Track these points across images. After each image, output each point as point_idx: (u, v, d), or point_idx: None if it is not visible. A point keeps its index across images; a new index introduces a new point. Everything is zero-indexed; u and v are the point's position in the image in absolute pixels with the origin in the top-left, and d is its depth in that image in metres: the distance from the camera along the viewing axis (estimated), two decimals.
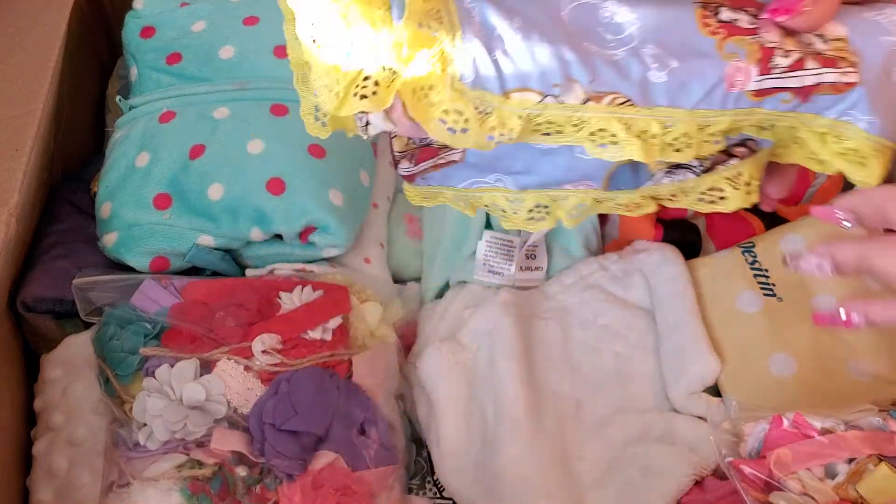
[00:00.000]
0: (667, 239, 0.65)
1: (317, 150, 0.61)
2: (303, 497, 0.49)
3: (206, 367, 0.53)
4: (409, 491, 0.57)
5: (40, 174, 0.60)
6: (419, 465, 0.59)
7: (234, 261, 0.63)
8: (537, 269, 0.65)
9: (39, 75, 0.60)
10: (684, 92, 0.39)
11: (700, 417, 0.57)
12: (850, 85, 0.41)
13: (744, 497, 0.49)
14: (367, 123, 0.40)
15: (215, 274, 0.62)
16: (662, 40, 0.39)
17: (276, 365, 0.54)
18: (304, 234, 0.61)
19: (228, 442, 0.51)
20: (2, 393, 0.54)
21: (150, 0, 0.69)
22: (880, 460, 0.51)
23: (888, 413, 0.52)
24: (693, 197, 0.46)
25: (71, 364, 0.57)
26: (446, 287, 0.66)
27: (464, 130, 0.37)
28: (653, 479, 0.53)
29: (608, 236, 0.69)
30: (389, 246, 0.69)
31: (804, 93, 0.41)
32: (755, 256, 0.62)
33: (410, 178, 0.48)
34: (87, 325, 0.58)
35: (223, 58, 0.65)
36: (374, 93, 0.36)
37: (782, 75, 0.40)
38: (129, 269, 0.59)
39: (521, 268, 0.64)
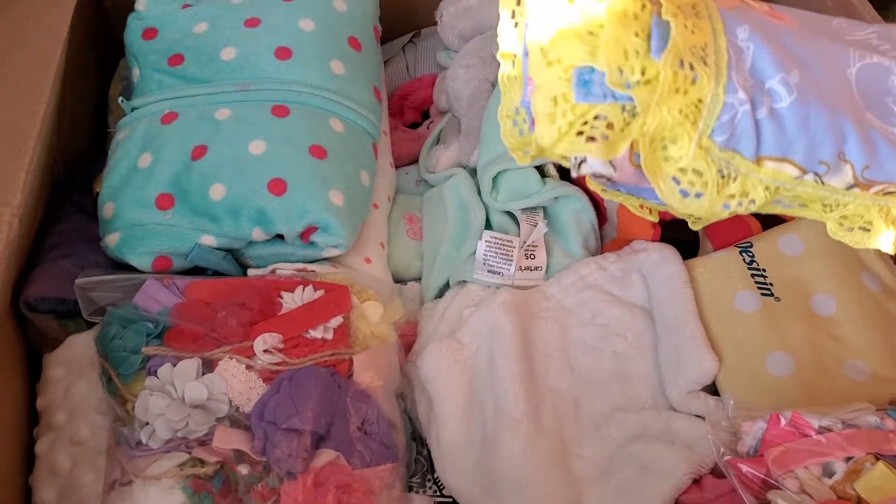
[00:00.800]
0: (665, 239, 0.65)
1: (318, 151, 0.62)
2: (304, 495, 0.49)
3: (208, 366, 0.53)
4: (410, 489, 0.57)
5: (43, 174, 0.60)
6: (419, 463, 0.59)
7: (235, 261, 0.63)
8: (536, 269, 0.65)
9: (42, 76, 0.60)
10: None
11: (698, 416, 0.57)
12: None
13: (742, 496, 0.49)
14: (583, 161, 0.33)
15: (217, 274, 0.62)
16: None
17: (277, 364, 0.54)
18: (305, 235, 0.61)
19: (230, 440, 0.51)
20: (4, 392, 0.54)
21: (152, 2, 0.69)
22: (878, 459, 0.51)
23: (885, 412, 0.52)
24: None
25: (73, 363, 0.57)
26: (446, 287, 0.66)
27: (698, 195, 0.31)
28: (651, 477, 0.54)
29: (607, 236, 0.69)
30: (389, 246, 0.69)
31: None
32: (753, 256, 0.62)
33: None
34: (90, 325, 0.58)
35: (225, 59, 0.65)
36: (605, 137, 0.29)
37: None
38: (132, 269, 0.60)
39: (520, 268, 0.65)
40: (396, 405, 0.59)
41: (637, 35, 0.29)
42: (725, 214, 0.32)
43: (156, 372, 0.53)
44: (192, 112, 0.63)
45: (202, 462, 0.50)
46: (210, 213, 0.59)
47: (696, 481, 0.54)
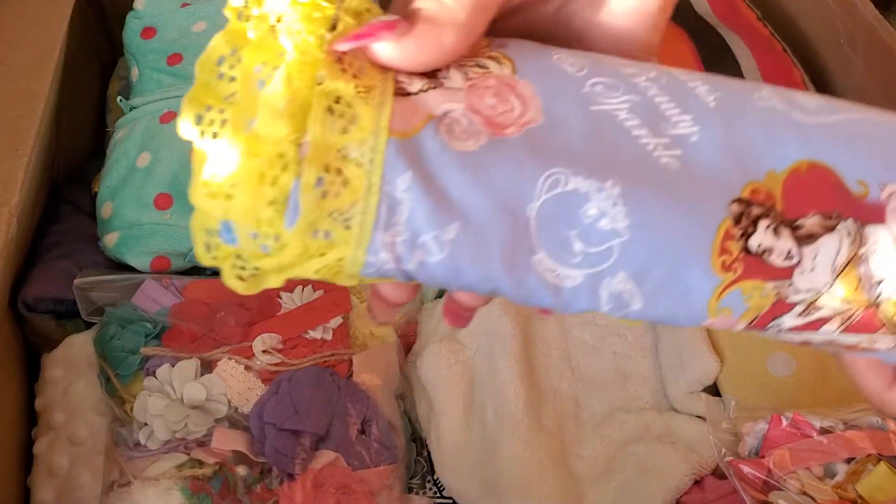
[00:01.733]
0: None
1: None
2: (303, 496, 0.49)
3: (207, 366, 0.53)
4: (409, 490, 0.57)
5: (41, 174, 0.60)
6: (419, 464, 0.59)
7: None
8: None
9: (40, 76, 0.60)
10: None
11: (699, 417, 0.57)
12: None
13: (743, 496, 0.49)
14: None
15: (216, 274, 0.62)
16: (644, 271, 0.27)
17: (276, 364, 0.54)
18: None
19: (229, 441, 0.51)
20: (3, 392, 0.54)
21: (150, 0, 0.69)
22: (879, 459, 0.51)
23: None
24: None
25: (72, 364, 0.57)
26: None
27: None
28: (652, 478, 0.53)
29: None
30: None
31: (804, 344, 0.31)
32: None
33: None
34: (89, 325, 0.58)
35: None
36: (251, 276, 0.28)
37: (778, 334, 0.30)
38: (130, 269, 0.59)
39: None
40: (396, 406, 0.59)
41: (271, 205, 0.26)
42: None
43: (154, 372, 0.53)
44: None
45: (201, 463, 0.50)
46: None
47: (697, 482, 0.54)
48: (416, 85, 0.27)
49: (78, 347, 0.57)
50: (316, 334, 0.56)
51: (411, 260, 0.27)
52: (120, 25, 0.69)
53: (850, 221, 0.28)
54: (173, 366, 0.53)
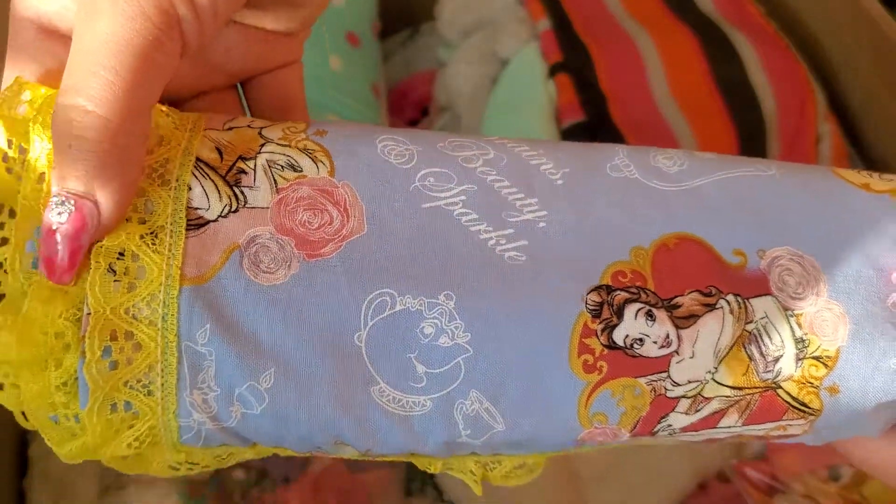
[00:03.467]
0: None
1: None
2: (301, 500, 0.49)
3: None
4: (409, 493, 0.57)
5: None
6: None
7: None
8: None
9: None
10: (512, 449, 0.28)
11: None
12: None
13: (747, 500, 0.49)
14: None
15: None
16: (497, 386, 0.25)
17: None
18: None
19: None
20: None
21: None
22: None
23: None
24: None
25: None
26: None
27: (206, 467, 0.27)
28: (655, 481, 0.53)
29: None
30: None
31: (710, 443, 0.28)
32: None
33: None
34: None
35: None
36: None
37: (671, 436, 0.27)
38: None
39: None
40: None
41: (60, 389, 0.23)
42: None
43: None
44: None
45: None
46: None
47: (701, 485, 0.54)
48: (214, 208, 0.24)
49: None
50: None
51: (230, 416, 0.24)
52: None
53: (731, 297, 0.25)
54: None
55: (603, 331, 0.25)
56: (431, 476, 0.58)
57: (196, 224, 0.24)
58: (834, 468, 0.51)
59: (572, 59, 0.64)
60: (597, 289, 0.25)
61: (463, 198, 0.25)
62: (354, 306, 0.24)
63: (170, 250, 0.24)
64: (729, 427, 0.26)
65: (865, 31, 0.65)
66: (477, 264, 0.25)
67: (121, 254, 0.23)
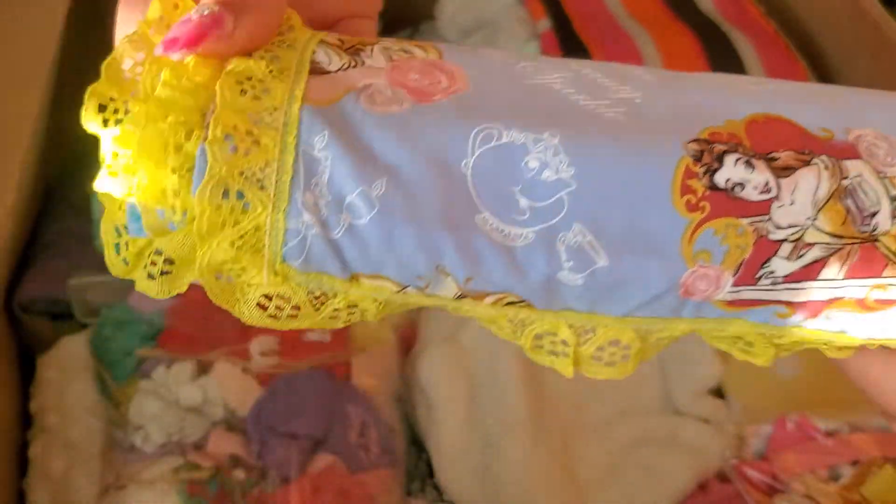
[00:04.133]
0: None
1: None
2: (301, 500, 0.49)
3: (204, 368, 0.53)
4: (409, 494, 0.57)
5: (37, 173, 0.60)
6: (419, 467, 0.58)
7: None
8: None
9: (36, 74, 0.60)
10: (611, 298, 0.27)
11: (703, 419, 0.56)
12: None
13: (747, 500, 0.49)
14: None
15: None
16: (601, 219, 0.26)
17: (274, 367, 0.54)
18: None
19: (226, 444, 0.50)
20: None
21: None
22: (885, 462, 0.50)
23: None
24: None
25: (67, 365, 0.57)
26: None
27: (293, 316, 0.27)
28: (655, 481, 0.53)
29: None
30: None
31: (811, 308, 0.28)
32: None
33: None
34: (84, 326, 0.58)
35: None
36: (165, 272, 0.26)
37: (774, 286, 0.27)
38: None
39: None
40: (395, 409, 0.58)
41: (175, 171, 0.25)
42: (339, 324, 0.28)
43: (150, 374, 0.52)
44: None
45: (197, 466, 0.50)
46: None
47: (701, 485, 0.54)
48: (335, 64, 0.26)
49: (73, 349, 0.57)
50: (314, 336, 0.56)
51: (338, 224, 0.25)
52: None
53: (824, 157, 0.27)
54: (169, 368, 0.52)
55: (705, 173, 0.26)
56: (431, 476, 0.58)
57: (318, 71, 0.26)
58: (834, 468, 0.51)
59: None
60: (696, 140, 0.26)
61: (561, 80, 0.27)
62: (462, 136, 0.25)
63: (294, 81, 0.25)
64: (830, 280, 0.27)
65: (865, 31, 0.65)
66: (580, 116, 0.26)
67: (248, 78, 0.25)
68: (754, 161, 0.26)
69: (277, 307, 0.26)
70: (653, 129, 0.26)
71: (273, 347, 0.54)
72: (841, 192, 0.26)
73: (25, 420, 0.57)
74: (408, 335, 0.64)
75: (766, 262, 0.26)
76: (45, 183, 0.64)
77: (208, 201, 0.24)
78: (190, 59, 0.25)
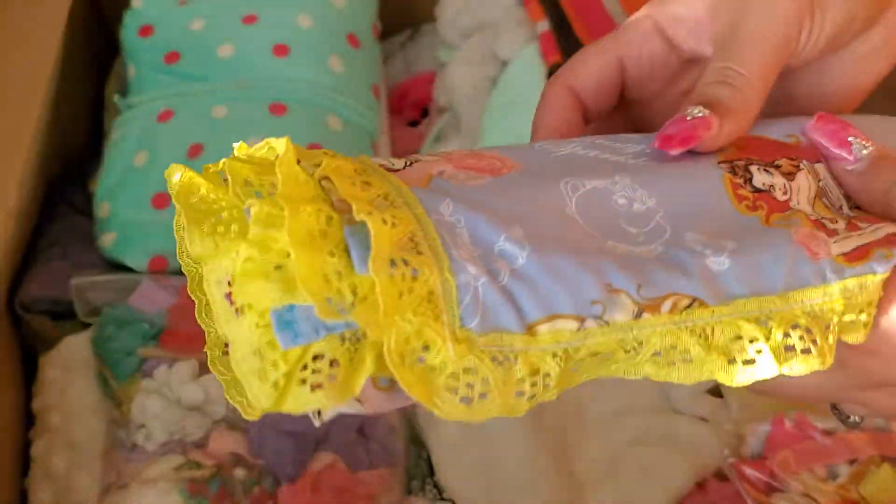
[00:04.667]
0: None
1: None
2: (302, 499, 0.49)
3: (205, 367, 0.53)
4: (409, 492, 0.57)
5: (38, 174, 0.60)
6: (419, 466, 0.58)
7: None
8: None
9: (37, 74, 0.60)
10: (762, 273, 0.28)
11: (702, 418, 0.56)
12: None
13: (745, 499, 0.49)
14: (320, 411, 0.27)
15: None
16: (699, 226, 0.28)
17: None
18: None
19: (227, 443, 0.50)
20: (0, 393, 0.54)
21: None
22: (883, 461, 0.51)
23: None
24: None
25: (69, 365, 0.57)
26: None
27: (483, 396, 0.25)
28: (653, 480, 0.53)
29: None
30: None
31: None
32: None
33: None
34: (86, 326, 0.58)
35: (222, 56, 0.64)
36: (333, 377, 0.24)
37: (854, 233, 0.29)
38: (128, 269, 0.59)
39: None
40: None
41: (332, 254, 0.24)
42: (525, 404, 0.26)
43: (152, 373, 0.52)
44: (189, 110, 0.62)
45: (199, 465, 0.50)
46: None
47: (699, 484, 0.54)
48: (397, 164, 0.28)
49: (75, 348, 0.57)
50: None
51: (500, 271, 0.25)
52: (117, 23, 0.69)
53: (805, 161, 0.31)
54: (171, 367, 0.52)
55: (745, 182, 0.30)
56: (432, 474, 0.58)
57: (388, 170, 0.28)
58: (832, 467, 0.51)
59: None
60: (721, 162, 0.30)
61: (580, 145, 0.31)
62: (553, 189, 0.28)
63: (380, 174, 0.27)
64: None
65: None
66: (621, 165, 0.30)
67: (346, 174, 0.26)
68: (770, 168, 0.30)
69: (468, 385, 0.25)
70: (683, 162, 0.30)
71: None
72: (820, 193, 0.31)
73: (27, 419, 0.57)
74: None
75: (826, 227, 0.30)
76: (47, 182, 0.64)
77: (383, 273, 0.23)
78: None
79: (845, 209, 0.31)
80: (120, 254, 0.59)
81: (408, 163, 0.28)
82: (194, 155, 0.60)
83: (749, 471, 0.51)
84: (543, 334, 0.26)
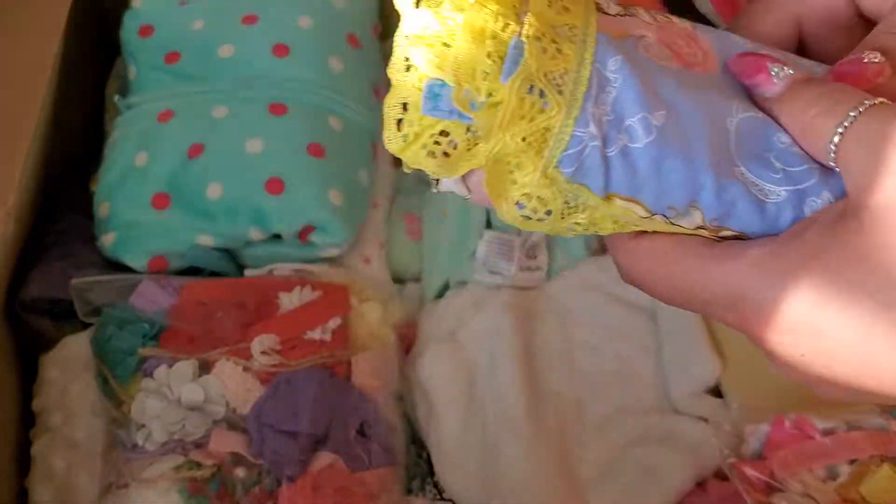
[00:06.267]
0: None
1: (316, 150, 0.61)
2: (302, 499, 0.49)
3: (205, 367, 0.53)
4: (409, 492, 0.57)
5: (38, 174, 0.60)
6: (419, 466, 0.58)
7: (232, 261, 0.62)
8: (537, 269, 0.65)
9: (37, 75, 0.60)
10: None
11: (702, 418, 0.56)
12: None
13: (745, 498, 0.49)
14: (438, 179, 0.31)
15: (214, 274, 0.62)
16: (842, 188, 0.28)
17: (275, 366, 0.54)
18: (303, 234, 0.61)
19: (227, 443, 0.50)
20: (1, 393, 0.54)
21: None
22: (883, 461, 0.51)
23: (890, 413, 0.52)
24: None
25: (69, 364, 0.57)
26: (446, 287, 0.66)
27: (541, 220, 0.29)
28: (654, 480, 0.53)
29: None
30: (389, 246, 0.69)
31: None
32: None
33: None
34: (86, 326, 0.58)
35: (222, 56, 0.64)
36: (446, 155, 0.28)
37: None
38: (128, 270, 0.59)
39: (521, 268, 0.64)
40: (395, 407, 0.58)
41: (489, 56, 0.27)
42: (570, 235, 0.31)
43: (152, 373, 0.52)
44: (189, 110, 0.62)
45: (199, 465, 0.50)
46: (207, 212, 0.59)
47: (700, 484, 0.54)
48: (613, 9, 0.29)
49: (75, 348, 0.57)
50: (315, 335, 0.56)
51: (615, 143, 0.27)
52: (118, 24, 0.69)
53: None
54: (171, 367, 0.52)
55: None
56: (431, 474, 0.58)
57: (600, 10, 0.29)
58: (832, 467, 0.51)
59: None
60: None
61: None
62: (725, 101, 0.28)
63: (586, 8, 0.28)
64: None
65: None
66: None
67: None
68: None
69: (533, 209, 0.29)
70: None
71: (274, 347, 0.55)
72: None
73: (28, 419, 0.57)
74: (408, 335, 0.64)
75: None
76: (48, 182, 0.64)
77: (517, 91, 0.26)
78: None
79: None
80: (120, 254, 0.59)
81: (622, 13, 0.29)
82: (194, 155, 0.60)
83: (749, 471, 0.51)
84: (616, 206, 0.29)
